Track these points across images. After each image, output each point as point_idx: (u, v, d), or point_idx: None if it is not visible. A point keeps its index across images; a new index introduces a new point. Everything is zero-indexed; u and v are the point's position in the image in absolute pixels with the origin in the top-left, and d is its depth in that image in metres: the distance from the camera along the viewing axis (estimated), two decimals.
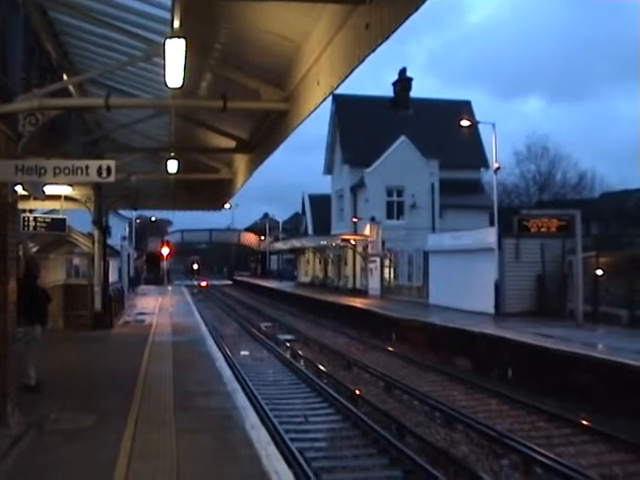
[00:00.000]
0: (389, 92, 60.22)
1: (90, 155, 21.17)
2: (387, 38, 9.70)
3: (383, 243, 50.01)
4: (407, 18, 9.04)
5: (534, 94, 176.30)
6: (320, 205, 67.16)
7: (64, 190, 23.98)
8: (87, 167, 12.61)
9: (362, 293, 51.53)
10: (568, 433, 16.00)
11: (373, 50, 10.20)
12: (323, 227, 64.50)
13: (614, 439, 15.03)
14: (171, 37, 11.70)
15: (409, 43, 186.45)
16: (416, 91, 61.61)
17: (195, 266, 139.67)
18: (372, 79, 62.35)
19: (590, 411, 17.56)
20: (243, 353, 29.60)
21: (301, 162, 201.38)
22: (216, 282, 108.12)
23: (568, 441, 15.29)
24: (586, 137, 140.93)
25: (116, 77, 18.40)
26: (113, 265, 40.55)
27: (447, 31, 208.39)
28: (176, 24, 11.77)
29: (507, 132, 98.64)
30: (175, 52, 11.74)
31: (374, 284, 50.62)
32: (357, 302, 43.54)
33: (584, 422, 16.45)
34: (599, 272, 28.55)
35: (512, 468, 13.35)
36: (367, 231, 52.09)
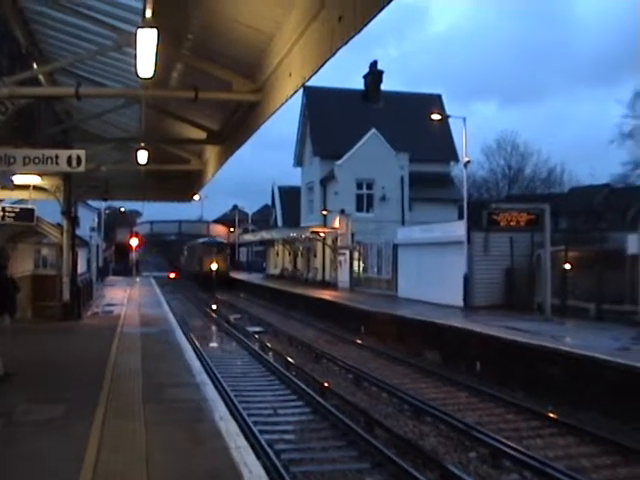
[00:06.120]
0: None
1: (60, 145, 21.00)
2: (360, 30, 9.71)
3: (353, 235, 49.97)
4: (380, 10, 9.06)
5: (491, 98, 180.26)
6: (290, 197, 66.95)
7: (33, 180, 23.78)
8: (57, 157, 12.56)
9: (331, 285, 51.58)
10: (536, 426, 16.12)
11: (346, 42, 10.22)
12: (293, 219, 64.37)
13: (581, 432, 15.19)
14: (143, 27, 11.65)
15: (373, 54, 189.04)
16: None
17: (214, 266, 70.23)
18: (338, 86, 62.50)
19: (558, 404, 17.72)
20: (212, 345, 29.55)
21: (269, 157, 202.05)
22: None
23: (536, 434, 15.41)
24: (540, 137, 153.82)
25: (87, 67, 18.31)
26: (82, 256, 40.23)
27: (410, 40, 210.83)
28: (148, 14, 11.70)
29: (471, 132, 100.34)
30: (147, 42, 11.69)
31: (343, 277, 50.66)
32: (326, 294, 43.56)
33: (552, 415, 16.59)
34: (567, 266, 28.75)
35: (480, 460, 13.44)
36: (337, 223, 52.11)
